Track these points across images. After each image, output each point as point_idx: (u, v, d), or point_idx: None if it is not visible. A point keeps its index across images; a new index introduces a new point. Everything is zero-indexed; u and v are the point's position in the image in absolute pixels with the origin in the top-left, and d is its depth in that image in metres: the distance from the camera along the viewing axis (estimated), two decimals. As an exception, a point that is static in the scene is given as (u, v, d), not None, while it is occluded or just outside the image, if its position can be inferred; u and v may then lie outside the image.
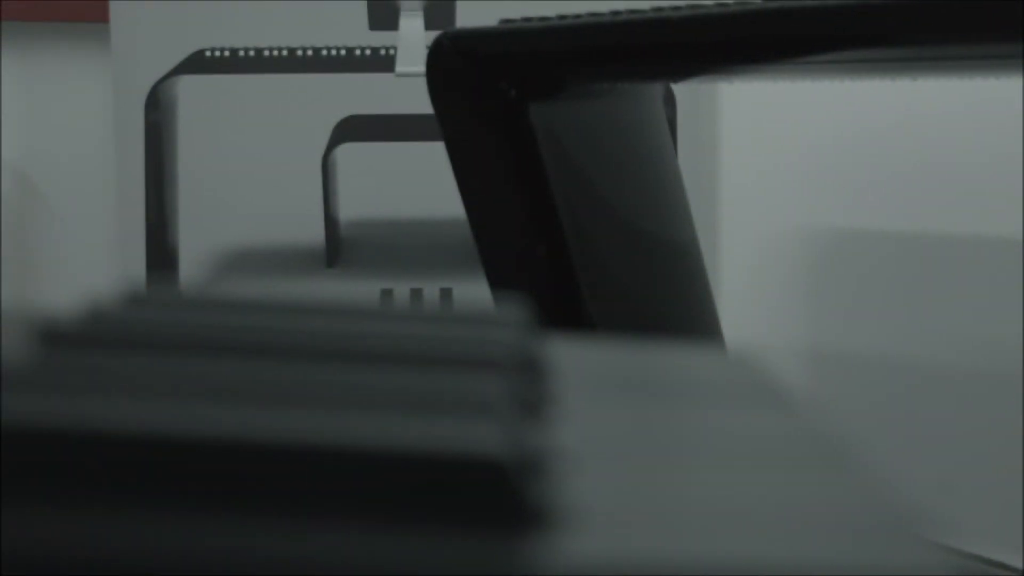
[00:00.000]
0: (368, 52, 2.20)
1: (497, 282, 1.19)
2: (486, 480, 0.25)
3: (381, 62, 2.18)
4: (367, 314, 0.45)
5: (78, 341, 0.37)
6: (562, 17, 1.15)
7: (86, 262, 2.64)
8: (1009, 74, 1.13)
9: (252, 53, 2.18)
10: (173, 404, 0.27)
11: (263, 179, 2.23)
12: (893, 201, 2.13)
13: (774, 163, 2.23)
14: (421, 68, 1.17)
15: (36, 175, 2.62)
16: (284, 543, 0.23)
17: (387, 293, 2.17)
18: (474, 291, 2.18)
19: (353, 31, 2.22)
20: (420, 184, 2.24)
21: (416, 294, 2.18)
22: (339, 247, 2.11)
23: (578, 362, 0.49)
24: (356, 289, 2.17)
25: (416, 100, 2.22)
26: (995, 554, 1.69)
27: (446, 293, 2.16)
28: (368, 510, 0.25)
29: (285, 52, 2.18)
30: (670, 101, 2.16)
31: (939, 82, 2.06)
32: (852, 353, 2.16)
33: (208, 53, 2.18)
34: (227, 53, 2.18)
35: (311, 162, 2.23)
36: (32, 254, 2.63)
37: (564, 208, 1.18)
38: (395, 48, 2.21)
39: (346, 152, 2.24)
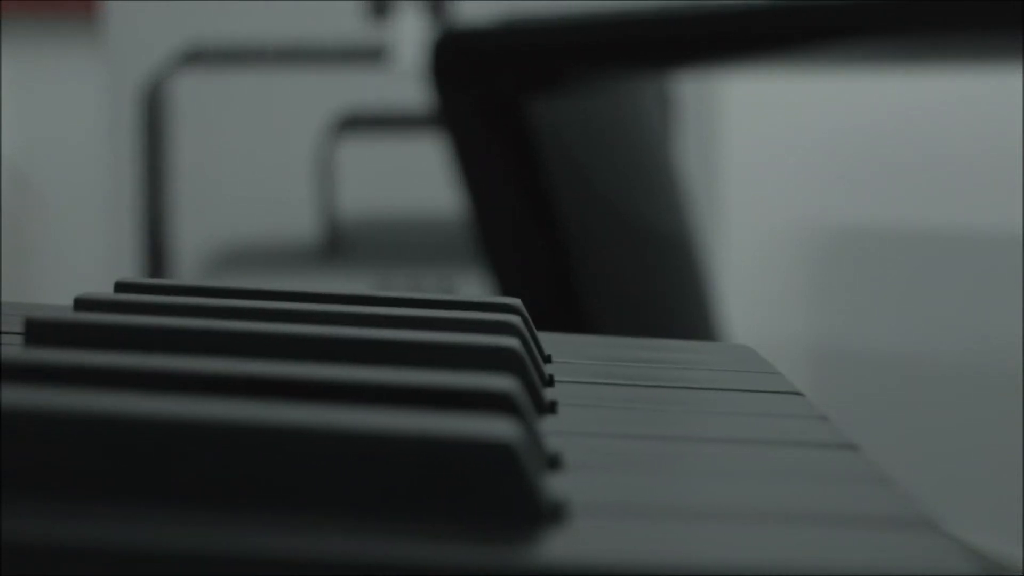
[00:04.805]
0: (367, 48, 2.19)
1: (497, 279, 1.19)
2: (497, 466, 0.25)
3: (380, 58, 2.18)
4: (368, 307, 0.44)
5: (68, 334, 0.37)
6: (562, 15, 1.14)
7: (82, 257, 2.64)
8: (1010, 68, 1.13)
9: (248, 49, 2.18)
10: (178, 397, 0.27)
11: (261, 175, 2.23)
12: (895, 198, 2.13)
13: (777, 160, 2.23)
14: (421, 65, 1.17)
15: (32, 171, 2.62)
16: (290, 537, 0.22)
17: (386, 288, 2.17)
18: (473, 286, 2.18)
19: (352, 26, 2.22)
20: (419, 179, 2.24)
21: (415, 289, 2.18)
22: (338, 242, 2.11)
23: (577, 359, 0.48)
24: (355, 284, 2.17)
25: (415, 96, 2.22)
26: (996, 549, 1.68)
27: (445, 288, 2.16)
28: (378, 500, 0.25)
29: (282, 47, 2.18)
30: (672, 99, 2.17)
31: (942, 79, 2.06)
32: (854, 349, 2.16)
33: (204, 49, 2.18)
34: (223, 49, 2.18)
35: (309, 157, 2.23)
36: (28, 249, 2.63)
37: (564, 205, 1.18)
38: (394, 44, 2.21)
39: (345, 147, 2.24)
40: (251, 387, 0.31)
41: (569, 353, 0.49)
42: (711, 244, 2.25)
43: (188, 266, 2.24)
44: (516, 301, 0.49)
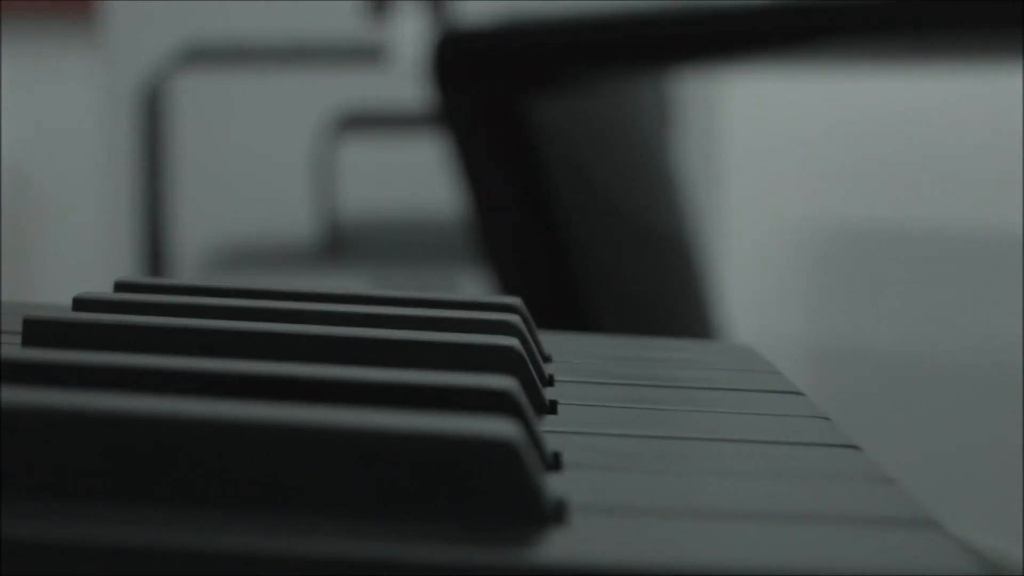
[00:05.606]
0: (367, 48, 2.19)
1: (497, 278, 1.19)
2: (498, 465, 0.25)
3: (380, 58, 2.18)
4: (368, 306, 0.44)
5: (66, 334, 0.37)
6: (562, 15, 1.14)
7: (81, 257, 2.64)
8: (1010, 68, 1.13)
9: (248, 48, 2.17)
10: (177, 397, 0.27)
11: (260, 174, 2.23)
12: (896, 198, 2.13)
13: (777, 160, 2.23)
14: (421, 65, 1.17)
15: (32, 171, 2.62)
16: (291, 537, 0.22)
17: (387, 286, 2.17)
18: (474, 286, 2.18)
19: (351, 26, 2.21)
20: (419, 179, 2.24)
21: (420, 288, 2.18)
22: (338, 241, 2.11)
23: (578, 358, 0.48)
24: (355, 283, 2.16)
25: (415, 96, 2.22)
26: (996, 549, 1.68)
27: (448, 287, 2.16)
28: (379, 500, 0.25)
29: (282, 47, 2.17)
30: (671, 99, 2.17)
31: (942, 79, 2.06)
32: (854, 349, 2.16)
33: (203, 48, 2.18)
34: (222, 48, 2.18)
35: (309, 157, 2.23)
36: (28, 249, 2.63)
37: (564, 204, 1.17)
38: (394, 44, 2.21)
39: (345, 147, 2.24)
40: (251, 387, 0.31)
41: (570, 352, 0.49)
42: (711, 244, 2.25)
43: (188, 266, 2.24)
44: (516, 300, 0.49)
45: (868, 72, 2.10)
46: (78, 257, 2.60)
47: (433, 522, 0.24)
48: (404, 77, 2.20)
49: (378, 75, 2.21)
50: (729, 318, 2.26)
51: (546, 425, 0.35)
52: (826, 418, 0.39)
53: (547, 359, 0.48)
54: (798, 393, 0.43)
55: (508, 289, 1.19)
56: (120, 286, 0.47)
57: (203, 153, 2.22)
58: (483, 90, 1.17)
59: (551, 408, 0.38)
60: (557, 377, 0.43)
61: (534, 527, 0.25)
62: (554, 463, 0.31)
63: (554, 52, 1.14)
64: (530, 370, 0.38)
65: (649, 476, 0.30)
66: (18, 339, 0.42)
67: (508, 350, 0.38)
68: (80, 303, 0.42)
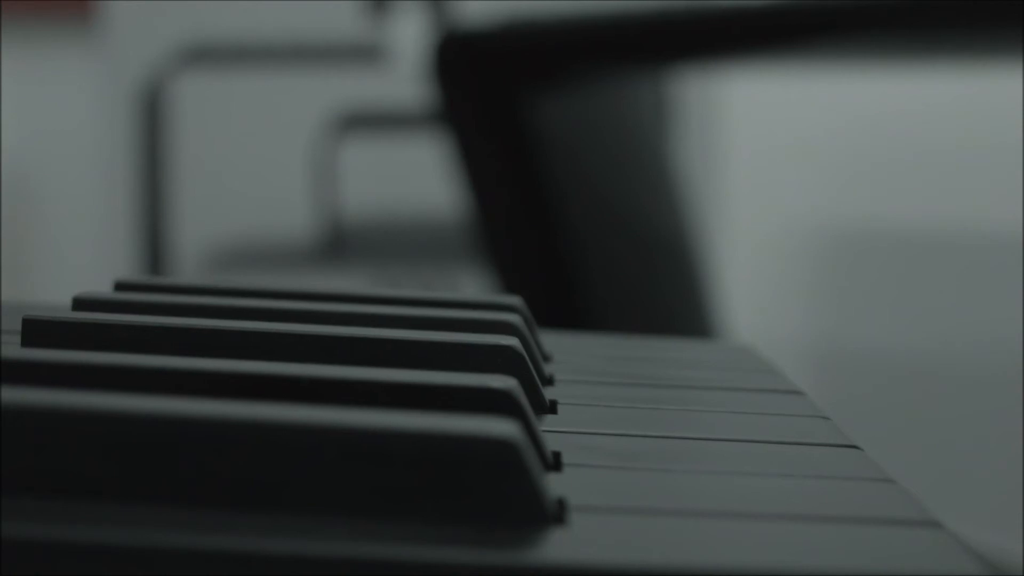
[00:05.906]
0: (367, 48, 2.19)
1: (498, 277, 1.19)
2: (499, 464, 0.25)
3: (380, 58, 2.18)
4: (368, 306, 0.44)
5: (65, 334, 0.37)
6: (563, 15, 1.14)
7: (82, 257, 2.64)
8: (1010, 68, 1.13)
9: (248, 48, 2.17)
10: (176, 396, 0.27)
11: (260, 174, 2.23)
12: (896, 198, 2.13)
13: (778, 160, 2.23)
14: (421, 65, 1.17)
15: (31, 171, 2.62)
16: (293, 537, 0.22)
17: (388, 286, 2.16)
18: (474, 285, 2.18)
19: (351, 26, 2.21)
20: (419, 178, 2.24)
21: (424, 288, 2.17)
22: (339, 241, 2.11)
23: (578, 357, 0.48)
24: (356, 282, 2.16)
25: (415, 96, 2.22)
26: (996, 548, 1.68)
27: (450, 286, 2.15)
28: (378, 499, 0.25)
29: (282, 47, 2.17)
30: (670, 99, 2.17)
31: (942, 79, 2.06)
32: (854, 349, 2.16)
33: (203, 48, 2.18)
34: (222, 48, 2.18)
35: (310, 157, 2.22)
36: (28, 249, 2.63)
37: (564, 203, 1.17)
38: (394, 44, 2.20)
39: (346, 147, 2.24)
40: (251, 387, 0.31)
41: (569, 352, 0.49)
42: (711, 244, 2.25)
43: (188, 266, 2.24)
44: (517, 300, 0.49)
45: (868, 72, 2.10)
46: (78, 257, 2.60)
47: (433, 522, 0.24)
48: (404, 77, 2.20)
49: (378, 75, 2.21)
50: (729, 318, 2.26)
51: (546, 425, 0.35)
52: (826, 418, 0.39)
53: (547, 359, 0.48)
54: (798, 393, 0.43)
55: (508, 289, 1.19)
56: (120, 286, 0.47)
57: (203, 153, 2.22)
58: (483, 90, 1.17)
59: (551, 408, 0.38)
60: (557, 377, 0.43)
61: (534, 527, 0.25)
62: (554, 463, 0.31)
63: (554, 52, 1.14)
64: (530, 370, 0.38)
65: (649, 476, 0.30)
66: (18, 339, 0.42)
67: (508, 350, 0.38)
68: (80, 303, 0.42)
